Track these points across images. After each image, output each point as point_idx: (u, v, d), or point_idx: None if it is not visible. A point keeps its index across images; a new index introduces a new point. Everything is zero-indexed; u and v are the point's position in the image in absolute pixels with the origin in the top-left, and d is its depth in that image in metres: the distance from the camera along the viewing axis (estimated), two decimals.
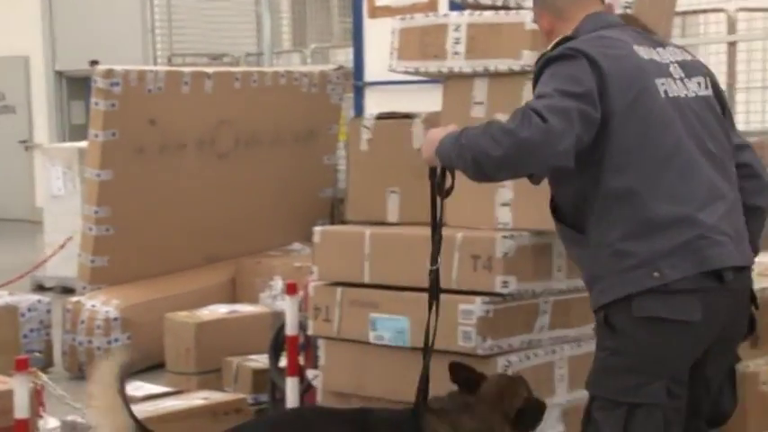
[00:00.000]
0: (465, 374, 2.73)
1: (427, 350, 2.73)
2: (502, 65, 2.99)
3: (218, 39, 9.84)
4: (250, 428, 2.78)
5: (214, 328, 4.72)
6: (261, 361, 4.31)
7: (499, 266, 2.96)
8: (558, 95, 2.36)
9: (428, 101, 3.35)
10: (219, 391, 4.06)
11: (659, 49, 2.57)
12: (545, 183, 2.53)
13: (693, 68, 2.58)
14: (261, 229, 6.40)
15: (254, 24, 9.49)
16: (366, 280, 3.20)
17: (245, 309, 5.09)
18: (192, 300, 5.31)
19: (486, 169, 2.41)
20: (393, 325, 3.11)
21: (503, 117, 2.98)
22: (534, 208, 3.03)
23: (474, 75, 3.06)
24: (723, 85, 6.33)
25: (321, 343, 3.33)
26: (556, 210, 2.59)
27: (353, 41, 5.66)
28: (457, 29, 3.05)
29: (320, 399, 3.35)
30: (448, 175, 2.67)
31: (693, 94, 2.53)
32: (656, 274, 2.38)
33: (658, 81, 2.48)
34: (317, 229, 3.37)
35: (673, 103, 2.47)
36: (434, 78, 3.26)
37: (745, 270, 2.48)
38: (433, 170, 2.68)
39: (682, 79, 2.54)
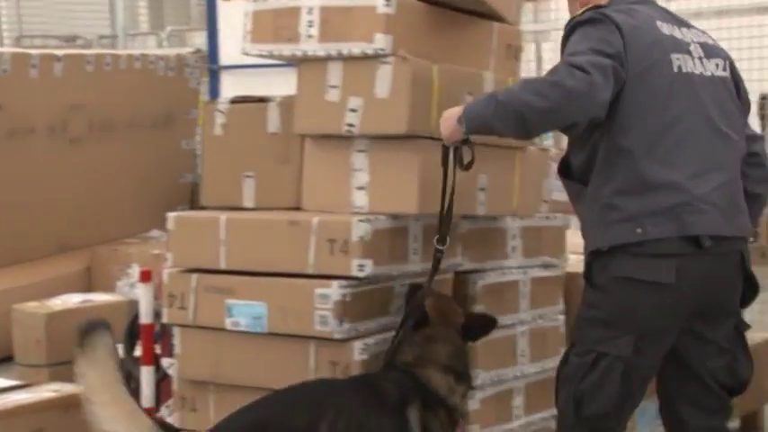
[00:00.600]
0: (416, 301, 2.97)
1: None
2: (355, 48, 2.99)
3: (71, 20, 9.52)
4: (262, 408, 2.68)
5: (66, 319, 4.58)
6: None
7: (355, 250, 2.96)
8: (592, 53, 2.55)
9: (285, 84, 3.32)
10: (72, 383, 3.94)
11: (683, 29, 2.78)
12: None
13: (714, 50, 2.78)
14: (117, 216, 6.25)
15: (107, 5, 9.22)
16: (222, 266, 3.16)
17: (99, 298, 4.96)
18: (44, 290, 5.15)
19: (532, 121, 2.57)
20: (250, 311, 3.08)
21: (357, 101, 3.01)
22: (390, 192, 3.06)
23: (328, 58, 3.04)
24: None
25: (176, 331, 3.27)
26: (567, 167, 2.83)
27: (207, 24, 5.58)
28: (310, 12, 3.02)
29: (176, 387, 3.29)
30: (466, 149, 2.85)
31: (710, 74, 2.72)
32: (638, 230, 2.59)
33: (674, 56, 2.69)
34: (171, 215, 3.30)
35: (685, 77, 2.68)
36: (289, 62, 3.23)
37: (731, 239, 2.64)
38: (446, 150, 2.85)
39: (701, 58, 2.73)
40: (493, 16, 3.27)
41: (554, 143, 6.46)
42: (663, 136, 2.64)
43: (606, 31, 2.63)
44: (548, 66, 6.92)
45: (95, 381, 2.51)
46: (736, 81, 2.82)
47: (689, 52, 2.73)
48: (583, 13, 2.74)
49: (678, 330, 2.69)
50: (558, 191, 3.70)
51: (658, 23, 2.74)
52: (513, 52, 3.33)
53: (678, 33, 2.77)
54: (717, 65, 2.77)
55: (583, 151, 2.73)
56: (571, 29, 2.71)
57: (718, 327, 2.75)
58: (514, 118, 2.58)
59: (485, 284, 3.37)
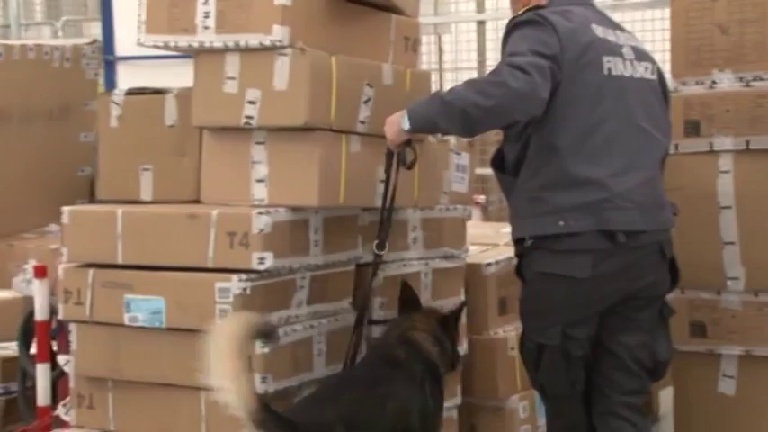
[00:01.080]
0: (409, 294, 3.18)
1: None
2: (253, 40, 2.96)
3: None
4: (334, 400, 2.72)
5: None
6: (11, 348, 4.10)
7: (255, 243, 2.94)
8: (532, 55, 2.69)
9: (184, 76, 3.27)
10: None
11: (617, 32, 2.91)
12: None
13: (643, 54, 2.92)
14: (13, 210, 6.05)
15: None
16: (119, 261, 3.10)
17: None
18: None
19: (477, 119, 2.71)
20: (148, 306, 3.03)
21: (255, 93, 2.99)
22: (290, 184, 3.04)
23: (225, 50, 3.01)
24: (474, 63, 6.64)
25: (73, 327, 3.20)
26: (500, 160, 2.97)
27: (102, 14, 5.45)
28: (206, 2, 2.98)
29: (73, 385, 3.23)
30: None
31: (639, 76, 2.86)
32: (561, 222, 2.76)
33: (605, 59, 2.82)
34: (66, 209, 3.22)
35: (614, 80, 2.81)
36: (185, 53, 3.19)
37: (647, 233, 2.80)
38: (390, 154, 3.02)
39: (632, 61, 2.86)
40: (391, 8, 3.28)
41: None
42: (589, 135, 2.77)
43: (544, 33, 2.76)
44: (448, 58, 7.00)
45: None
46: (662, 84, 2.98)
47: (621, 55, 2.86)
48: (522, 13, 2.86)
49: (602, 314, 2.86)
50: (457, 182, 3.74)
51: (593, 26, 2.86)
52: (412, 44, 3.34)
53: (612, 36, 2.89)
54: (646, 68, 2.90)
55: (516, 146, 2.87)
56: (511, 28, 2.83)
57: (642, 311, 2.89)
58: (460, 117, 2.70)
59: (386, 276, 3.38)
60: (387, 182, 3.06)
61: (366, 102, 3.14)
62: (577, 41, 2.79)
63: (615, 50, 2.85)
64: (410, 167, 3.05)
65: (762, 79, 3.16)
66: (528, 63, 2.66)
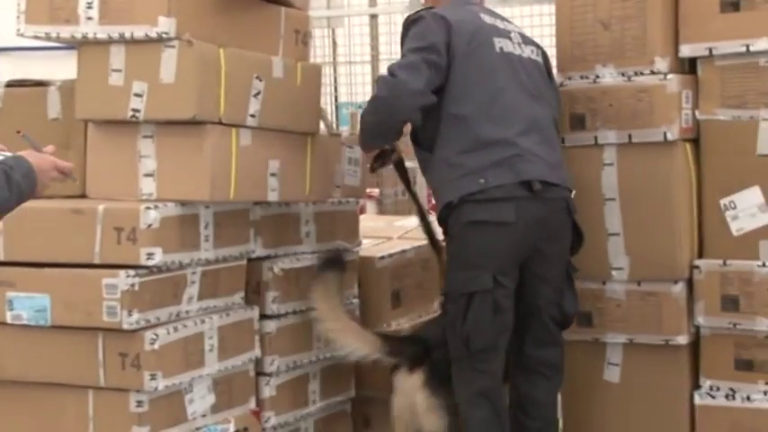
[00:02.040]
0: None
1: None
2: (138, 31, 2.91)
3: None
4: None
5: None
6: None
7: (143, 238, 2.89)
8: (408, 53, 3.00)
9: (68, 67, 3.19)
10: None
11: (505, 23, 3.22)
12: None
13: (529, 39, 3.23)
14: None
15: None
16: (1, 257, 3.02)
17: None
18: None
19: (377, 134, 3.15)
20: (32, 303, 2.96)
21: (142, 85, 2.94)
22: (179, 178, 3.00)
23: (110, 41, 2.95)
24: (368, 57, 6.66)
25: None
26: (416, 136, 3.17)
27: None
28: None
29: None
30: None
31: (527, 56, 3.17)
32: (481, 180, 2.99)
33: (496, 39, 3.11)
34: None
35: (506, 56, 3.11)
36: (68, 44, 3.11)
37: (556, 187, 3.06)
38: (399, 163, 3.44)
39: (519, 44, 3.17)
40: (281, 1, 3.27)
41: (350, 129, 6.54)
42: (492, 103, 3.05)
43: (423, 26, 3.04)
44: (342, 51, 7.00)
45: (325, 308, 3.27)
46: (547, 66, 3.26)
47: (509, 38, 3.16)
48: (416, 12, 3.13)
49: (521, 268, 3.09)
50: (350, 176, 3.75)
51: (482, 15, 3.17)
52: (302, 37, 3.33)
53: (500, 24, 3.20)
54: (532, 51, 3.21)
55: (426, 122, 3.06)
56: (404, 29, 3.11)
57: (553, 268, 3.14)
58: (368, 134, 3.15)
59: (279, 270, 3.37)
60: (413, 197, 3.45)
61: (256, 95, 3.12)
62: (465, 28, 3.06)
63: (503, 34, 3.15)
64: (396, 165, 3.41)
65: (642, 74, 3.24)
66: (398, 65, 2.99)
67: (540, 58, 3.22)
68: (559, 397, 3.55)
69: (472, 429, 3.05)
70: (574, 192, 3.18)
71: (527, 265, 3.08)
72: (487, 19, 3.16)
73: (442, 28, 3.02)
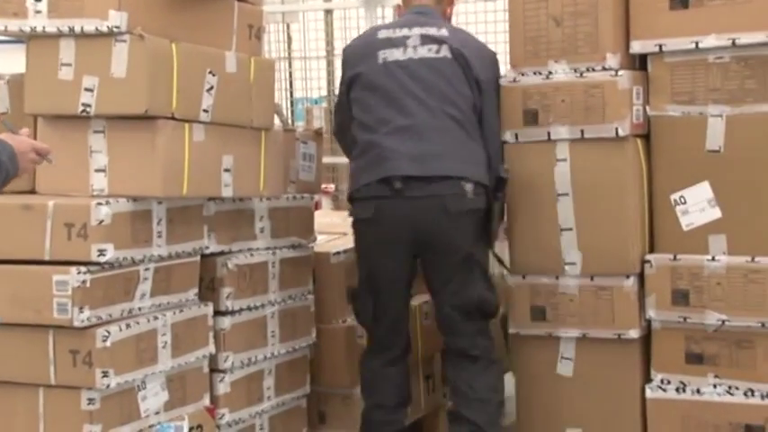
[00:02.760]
0: None
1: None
2: (88, 25, 2.88)
3: None
4: None
5: None
6: None
7: (95, 234, 2.87)
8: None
9: (17, 61, 3.14)
10: None
11: (414, 28, 3.41)
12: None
13: (431, 39, 3.38)
14: None
15: None
16: None
17: None
18: None
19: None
20: None
21: (92, 80, 2.91)
22: (131, 174, 2.98)
23: (59, 35, 2.92)
24: (323, 52, 6.64)
25: None
26: None
27: None
28: None
29: None
30: None
31: (419, 57, 3.36)
32: (360, 180, 3.34)
33: (380, 52, 3.38)
34: None
35: (389, 65, 3.37)
36: (17, 38, 3.07)
37: (424, 185, 3.24)
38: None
39: (414, 47, 3.38)
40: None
41: (305, 123, 6.52)
42: (372, 110, 3.37)
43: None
44: (297, 47, 6.98)
45: None
46: (461, 58, 3.36)
47: (404, 44, 3.38)
48: None
49: (402, 261, 3.36)
50: (304, 171, 3.74)
51: (381, 32, 3.47)
52: (256, 32, 3.32)
53: (398, 33, 3.42)
54: (430, 49, 3.37)
55: None
56: None
57: (445, 260, 3.33)
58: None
59: (233, 266, 3.35)
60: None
61: (209, 90, 3.10)
62: (355, 51, 3.51)
63: (395, 43, 3.39)
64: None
65: (594, 70, 3.26)
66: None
67: (440, 55, 3.37)
68: (513, 391, 3.59)
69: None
70: (471, 181, 3.28)
71: (420, 258, 3.38)
72: (383, 33, 3.45)
73: (343, 64, 3.53)
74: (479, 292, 3.33)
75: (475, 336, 3.37)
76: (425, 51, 3.36)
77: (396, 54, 3.37)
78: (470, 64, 3.36)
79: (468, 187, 3.26)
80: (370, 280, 3.39)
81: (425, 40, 3.38)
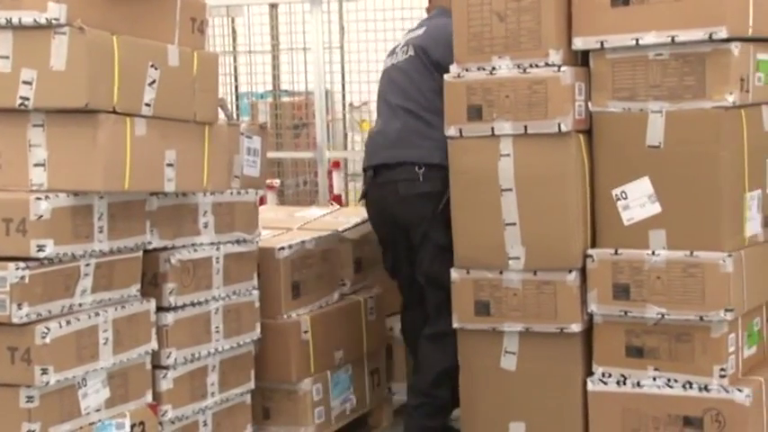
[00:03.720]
0: None
1: None
2: (27, 17, 2.83)
3: None
4: None
5: None
6: None
7: (34, 230, 2.83)
8: None
9: None
10: None
11: (409, 35, 3.88)
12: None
13: (410, 41, 3.80)
14: None
15: None
16: None
17: None
18: None
19: None
20: None
21: (31, 73, 2.87)
22: (71, 168, 2.94)
23: None
24: (268, 47, 6.62)
25: None
26: None
27: None
28: None
29: None
30: None
31: (397, 61, 3.80)
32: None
33: (385, 61, 3.91)
34: None
35: (385, 73, 3.88)
36: None
37: (388, 172, 3.72)
38: None
39: (403, 49, 3.80)
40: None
41: (250, 118, 6.49)
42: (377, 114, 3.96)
43: None
44: (242, 41, 6.94)
45: None
46: (425, 51, 3.69)
47: (395, 54, 3.84)
48: None
49: (395, 239, 3.81)
50: (249, 166, 3.72)
51: (406, 34, 3.96)
52: (199, 25, 3.28)
53: (400, 42, 3.89)
54: (404, 51, 3.77)
55: None
56: None
57: (406, 237, 3.76)
58: None
59: (176, 262, 3.33)
60: None
61: (151, 84, 3.07)
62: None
63: (392, 52, 3.87)
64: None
65: (537, 66, 3.29)
66: None
67: (407, 55, 3.77)
68: (459, 386, 3.61)
69: None
70: (424, 165, 3.61)
71: (407, 243, 3.78)
72: (400, 39, 3.95)
73: None
74: (437, 268, 3.58)
75: (437, 309, 3.65)
76: (401, 55, 3.80)
77: (388, 62, 3.89)
78: (428, 52, 3.69)
79: (421, 171, 3.61)
80: (382, 243, 3.95)
81: (406, 44, 3.82)
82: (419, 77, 3.68)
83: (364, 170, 3.90)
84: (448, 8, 3.58)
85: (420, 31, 3.81)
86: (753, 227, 3.25)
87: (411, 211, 3.68)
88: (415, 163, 3.63)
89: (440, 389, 3.73)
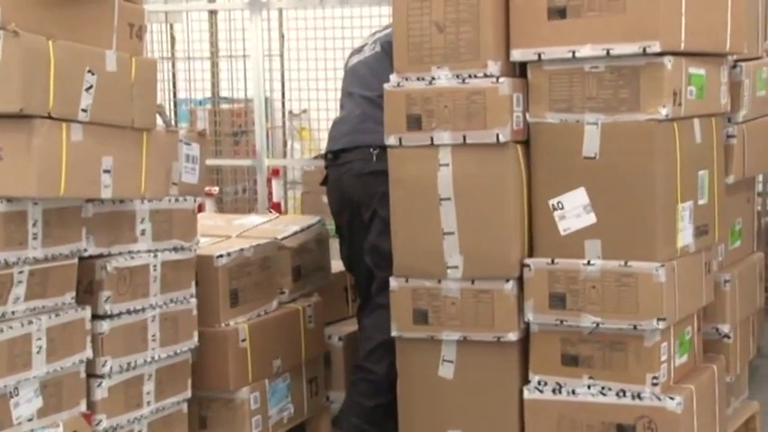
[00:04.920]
0: None
1: None
2: None
3: None
4: None
5: None
6: None
7: None
8: None
9: None
10: None
11: (377, 34, 4.12)
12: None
13: (377, 39, 4.05)
14: None
15: None
16: None
17: None
18: None
19: None
20: None
21: None
22: (5, 174, 2.91)
23: None
24: (207, 53, 6.58)
25: None
26: None
27: None
28: None
29: None
30: None
31: (363, 57, 4.04)
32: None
33: (350, 59, 4.15)
34: None
35: (348, 70, 4.14)
36: None
37: (349, 151, 3.93)
38: None
39: (365, 51, 4.06)
40: None
41: (189, 125, 6.45)
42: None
43: None
44: (180, 47, 6.89)
45: None
46: (390, 46, 3.61)
47: (362, 52, 4.08)
48: None
49: (352, 225, 3.99)
50: (187, 173, 3.70)
51: (366, 38, 4.23)
52: (137, 31, 3.26)
53: (367, 42, 4.12)
54: (371, 48, 4.04)
55: None
56: None
57: (360, 215, 3.91)
58: None
59: (112, 269, 3.29)
60: None
61: (88, 89, 3.03)
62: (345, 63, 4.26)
63: (359, 50, 4.11)
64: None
65: (476, 77, 3.31)
66: None
67: (373, 52, 4.02)
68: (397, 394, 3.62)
69: None
70: (378, 146, 3.69)
71: (360, 220, 3.92)
72: (367, 39, 4.18)
73: None
74: (386, 243, 3.63)
75: (380, 285, 3.74)
76: (368, 51, 4.04)
77: (354, 60, 4.10)
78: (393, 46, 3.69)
79: (375, 152, 3.80)
80: (339, 232, 4.11)
81: (374, 42, 4.05)
82: (382, 69, 3.71)
83: (325, 156, 4.12)
84: None
85: (389, 30, 3.87)
86: (685, 237, 3.32)
87: (363, 188, 3.86)
88: (371, 145, 3.82)
89: (377, 364, 3.80)
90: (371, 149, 3.83)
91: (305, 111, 6.86)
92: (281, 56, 6.76)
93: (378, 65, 3.92)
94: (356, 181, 3.91)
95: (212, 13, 6.39)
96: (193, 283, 3.67)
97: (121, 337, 3.34)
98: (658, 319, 3.18)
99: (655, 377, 3.22)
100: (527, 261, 3.34)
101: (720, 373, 3.61)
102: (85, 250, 3.23)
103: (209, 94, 6.62)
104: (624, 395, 3.25)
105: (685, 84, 3.24)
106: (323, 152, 4.24)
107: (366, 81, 3.98)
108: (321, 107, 6.49)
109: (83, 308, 3.21)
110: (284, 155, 6.90)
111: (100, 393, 3.26)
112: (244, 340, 3.80)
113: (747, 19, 3.65)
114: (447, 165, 3.38)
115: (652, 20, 3.11)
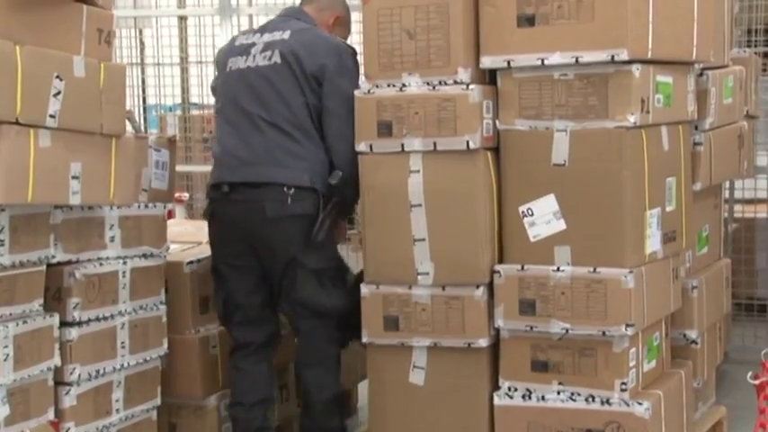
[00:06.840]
0: None
1: None
2: None
3: None
4: None
5: None
6: None
7: None
8: None
9: None
10: None
11: (265, 35, 3.59)
12: None
13: (273, 45, 3.53)
14: None
15: None
16: None
17: None
18: None
19: None
20: None
21: None
22: None
23: None
24: (177, 59, 6.55)
25: None
26: None
27: None
28: None
29: None
30: None
31: (256, 65, 3.54)
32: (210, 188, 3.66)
33: (230, 60, 3.61)
34: None
35: (231, 74, 3.59)
36: None
37: (250, 191, 3.46)
38: None
39: (255, 55, 3.55)
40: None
41: (159, 131, 6.42)
42: (218, 121, 3.65)
43: None
44: (150, 53, 6.86)
45: None
46: (297, 59, 3.49)
47: (248, 53, 3.57)
48: None
49: (248, 265, 3.58)
50: (157, 180, 3.68)
51: (238, 38, 3.69)
52: (106, 36, 3.24)
53: (251, 40, 3.61)
54: (266, 56, 3.53)
55: None
56: None
57: (272, 262, 3.54)
58: None
59: (81, 276, 3.27)
60: None
61: (56, 95, 3.01)
62: (217, 60, 3.74)
63: (243, 51, 3.59)
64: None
65: (446, 84, 3.33)
66: None
67: (273, 60, 3.51)
68: (366, 398, 3.62)
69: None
70: (293, 186, 3.44)
71: (275, 276, 3.56)
72: (242, 39, 3.66)
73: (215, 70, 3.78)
74: (308, 293, 3.51)
75: (308, 336, 3.59)
76: (261, 59, 3.54)
77: (239, 62, 3.58)
78: (301, 61, 3.49)
79: (291, 192, 3.43)
80: (217, 274, 3.65)
81: (266, 47, 3.54)
82: (287, 90, 3.47)
83: (214, 185, 3.57)
84: (311, 16, 3.66)
85: (284, 35, 3.55)
86: (653, 244, 3.34)
87: (280, 233, 3.46)
88: (284, 184, 3.42)
89: (333, 419, 3.66)
90: (285, 188, 3.43)
91: None
92: None
93: (279, 81, 3.49)
94: (269, 226, 3.45)
95: (182, 18, 6.37)
96: (163, 290, 3.66)
97: (90, 344, 3.32)
98: (627, 326, 3.20)
99: (623, 383, 3.24)
100: (497, 267, 3.36)
101: (688, 379, 3.64)
102: (54, 257, 3.21)
103: (178, 100, 6.59)
104: (593, 401, 3.27)
105: (653, 91, 3.27)
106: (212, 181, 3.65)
107: (265, 100, 3.50)
108: None
109: (51, 315, 3.19)
110: None
111: (68, 401, 3.24)
112: (214, 347, 3.79)
113: (714, 28, 3.69)
114: (418, 171, 3.38)
115: (620, 28, 3.14)
